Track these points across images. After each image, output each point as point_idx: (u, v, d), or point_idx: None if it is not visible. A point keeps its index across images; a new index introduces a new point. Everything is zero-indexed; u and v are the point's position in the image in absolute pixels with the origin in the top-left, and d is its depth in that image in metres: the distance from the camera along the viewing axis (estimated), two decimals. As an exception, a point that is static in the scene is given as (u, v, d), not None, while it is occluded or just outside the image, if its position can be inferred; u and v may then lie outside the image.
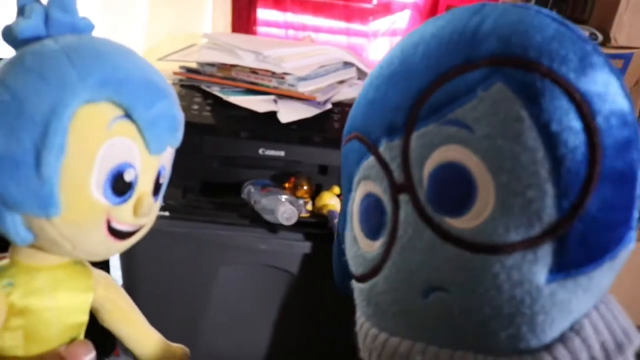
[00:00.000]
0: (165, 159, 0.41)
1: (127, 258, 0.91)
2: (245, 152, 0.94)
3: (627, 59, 0.82)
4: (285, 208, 0.83)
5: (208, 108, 0.96)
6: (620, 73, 0.27)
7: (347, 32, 1.33)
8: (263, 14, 1.29)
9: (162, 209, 0.87)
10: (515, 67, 0.27)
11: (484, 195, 0.28)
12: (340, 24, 1.33)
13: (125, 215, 0.37)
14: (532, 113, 0.26)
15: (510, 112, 0.27)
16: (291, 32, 1.31)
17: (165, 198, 0.48)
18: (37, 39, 0.35)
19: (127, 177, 0.36)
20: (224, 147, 0.93)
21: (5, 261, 0.39)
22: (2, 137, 0.32)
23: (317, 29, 1.32)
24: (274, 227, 0.89)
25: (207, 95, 0.99)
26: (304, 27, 1.31)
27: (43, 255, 0.38)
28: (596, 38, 0.85)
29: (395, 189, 0.33)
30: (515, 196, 0.27)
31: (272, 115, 0.93)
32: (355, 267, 0.37)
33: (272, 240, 0.91)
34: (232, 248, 0.92)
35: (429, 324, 0.31)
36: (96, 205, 0.35)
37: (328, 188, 0.96)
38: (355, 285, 0.37)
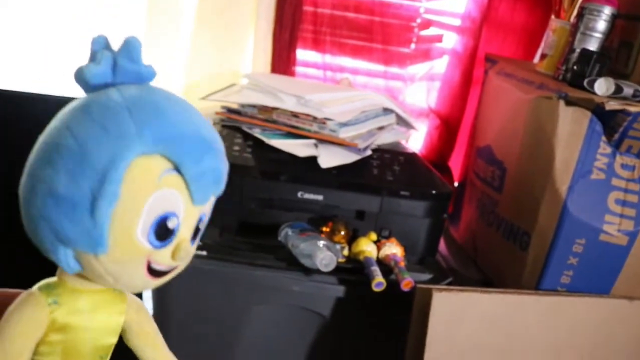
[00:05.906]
0: (207, 208, 0.44)
1: (160, 290, 0.92)
2: (284, 195, 0.95)
3: (671, 115, 0.81)
4: (324, 255, 0.83)
5: (249, 150, 0.97)
6: None
7: (385, 75, 1.34)
8: (302, 54, 1.32)
9: (200, 248, 0.88)
10: None
11: None
12: (378, 67, 1.34)
13: (164, 258, 0.40)
14: None
15: None
16: (329, 73, 1.33)
17: (202, 237, 0.49)
18: (105, 85, 0.39)
19: (170, 224, 0.39)
20: (263, 189, 0.95)
21: (53, 279, 0.43)
22: (64, 180, 0.35)
23: (354, 71, 1.34)
24: (308, 270, 0.89)
25: (248, 136, 1.01)
26: (341, 69, 1.33)
27: (87, 280, 0.42)
28: (640, 94, 0.85)
29: None
30: None
31: (312, 159, 0.95)
32: None
33: (306, 283, 0.91)
34: (265, 288, 0.92)
35: None
36: (139, 248, 0.38)
37: (365, 234, 0.96)
38: None
